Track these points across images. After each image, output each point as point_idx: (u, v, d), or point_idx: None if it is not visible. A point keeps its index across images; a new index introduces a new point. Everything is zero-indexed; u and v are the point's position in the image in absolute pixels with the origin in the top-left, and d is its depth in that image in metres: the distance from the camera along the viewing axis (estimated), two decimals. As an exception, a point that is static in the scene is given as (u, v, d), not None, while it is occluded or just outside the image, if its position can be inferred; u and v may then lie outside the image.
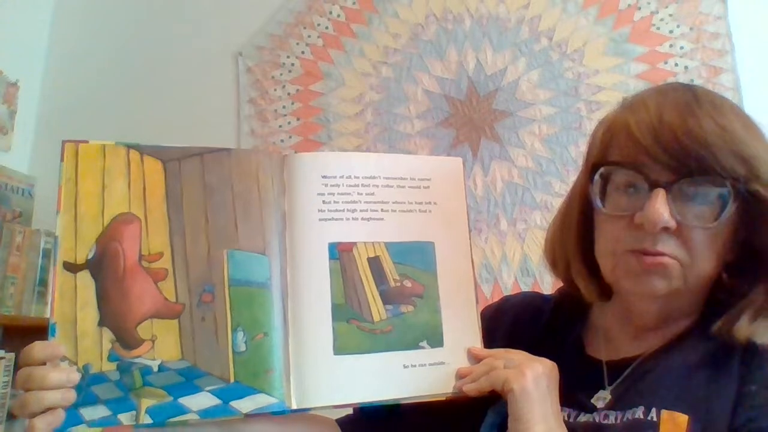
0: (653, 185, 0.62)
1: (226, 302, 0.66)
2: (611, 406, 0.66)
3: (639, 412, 0.63)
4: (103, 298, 0.64)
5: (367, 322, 0.68)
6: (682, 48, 1.70)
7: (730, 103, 0.67)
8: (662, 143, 0.61)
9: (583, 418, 0.67)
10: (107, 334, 0.63)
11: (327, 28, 1.99)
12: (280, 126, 1.95)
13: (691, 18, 1.71)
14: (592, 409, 0.66)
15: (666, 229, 0.62)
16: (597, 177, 0.66)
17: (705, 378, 0.63)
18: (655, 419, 0.61)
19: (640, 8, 1.75)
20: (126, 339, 0.63)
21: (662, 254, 0.63)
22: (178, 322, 0.65)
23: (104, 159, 0.69)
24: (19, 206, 2.00)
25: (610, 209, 0.66)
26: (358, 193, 0.71)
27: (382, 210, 0.71)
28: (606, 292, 0.71)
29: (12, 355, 1.78)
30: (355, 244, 0.70)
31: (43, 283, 1.86)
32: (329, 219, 0.70)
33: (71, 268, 0.64)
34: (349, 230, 0.70)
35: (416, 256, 0.71)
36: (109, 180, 0.68)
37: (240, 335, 0.66)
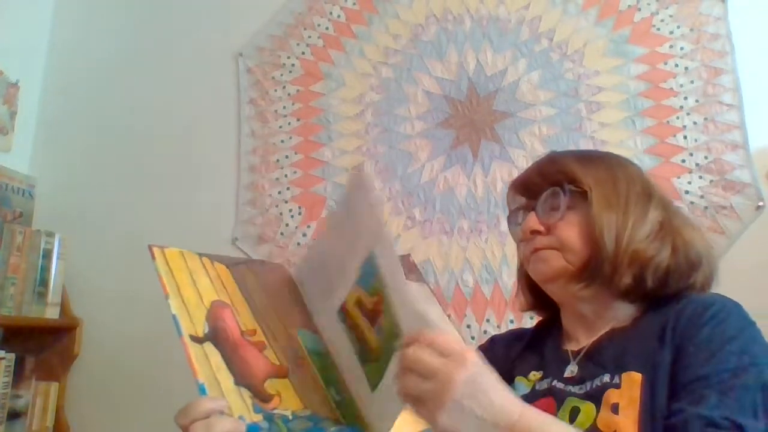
0: (528, 211, 0.93)
1: (312, 366, 0.81)
2: (580, 379, 0.85)
3: (605, 378, 0.82)
4: (229, 363, 0.74)
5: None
6: (682, 49, 1.70)
7: (583, 150, 1.17)
8: (524, 187, 0.96)
9: (558, 385, 0.87)
10: (245, 392, 0.73)
11: (327, 28, 1.99)
12: (281, 127, 1.95)
13: (691, 19, 1.71)
14: (567, 382, 0.87)
15: (539, 232, 0.90)
16: (509, 222, 0.99)
17: (650, 346, 0.81)
18: (617, 381, 0.80)
19: (640, 9, 1.75)
20: (260, 395, 0.74)
21: (543, 248, 0.90)
22: (289, 380, 0.78)
23: (185, 261, 0.80)
24: (20, 207, 2.00)
25: (518, 237, 0.97)
26: None
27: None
28: (534, 305, 1.02)
29: (12, 355, 1.78)
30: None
31: (43, 283, 1.86)
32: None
33: (196, 340, 0.74)
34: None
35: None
36: (196, 276, 0.80)
37: (332, 390, 0.80)
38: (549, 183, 0.91)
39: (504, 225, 1.72)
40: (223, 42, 2.06)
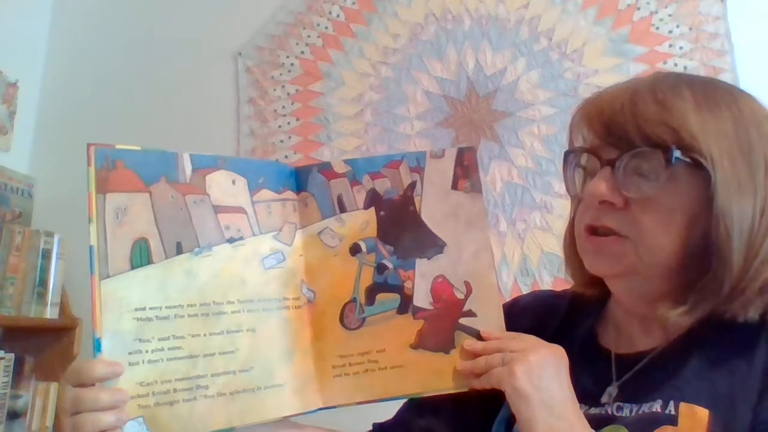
0: (603, 164, 0.63)
1: None
2: (622, 398, 0.64)
3: (656, 406, 0.61)
4: None
5: None
6: (681, 48, 1.70)
7: (704, 82, 0.66)
8: (605, 123, 0.63)
9: (594, 410, 0.65)
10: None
11: (326, 28, 1.99)
12: (280, 126, 1.95)
13: (691, 18, 1.71)
14: (600, 403, 0.65)
15: (611, 204, 0.62)
16: (566, 163, 0.69)
17: (727, 372, 0.60)
18: (673, 412, 0.59)
19: (639, 8, 1.75)
20: None
21: (610, 230, 0.63)
22: None
23: None
24: (19, 206, 2.00)
25: (573, 191, 0.69)
26: None
27: None
28: (588, 282, 0.72)
29: (12, 355, 1.78)
30: None
31: (42, 283, 1.86)
32: None
33: None
34: None
35: None
36: None
37: None
38: (644, 136, 0.60)
39: (503, 225, 1.73)
40: (222, 41, 2.05)
